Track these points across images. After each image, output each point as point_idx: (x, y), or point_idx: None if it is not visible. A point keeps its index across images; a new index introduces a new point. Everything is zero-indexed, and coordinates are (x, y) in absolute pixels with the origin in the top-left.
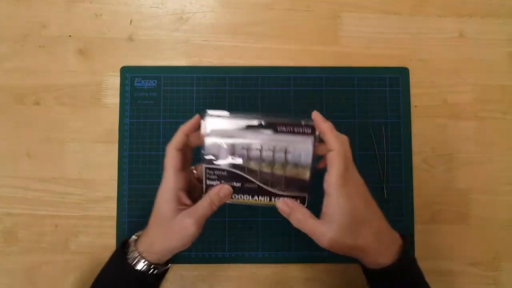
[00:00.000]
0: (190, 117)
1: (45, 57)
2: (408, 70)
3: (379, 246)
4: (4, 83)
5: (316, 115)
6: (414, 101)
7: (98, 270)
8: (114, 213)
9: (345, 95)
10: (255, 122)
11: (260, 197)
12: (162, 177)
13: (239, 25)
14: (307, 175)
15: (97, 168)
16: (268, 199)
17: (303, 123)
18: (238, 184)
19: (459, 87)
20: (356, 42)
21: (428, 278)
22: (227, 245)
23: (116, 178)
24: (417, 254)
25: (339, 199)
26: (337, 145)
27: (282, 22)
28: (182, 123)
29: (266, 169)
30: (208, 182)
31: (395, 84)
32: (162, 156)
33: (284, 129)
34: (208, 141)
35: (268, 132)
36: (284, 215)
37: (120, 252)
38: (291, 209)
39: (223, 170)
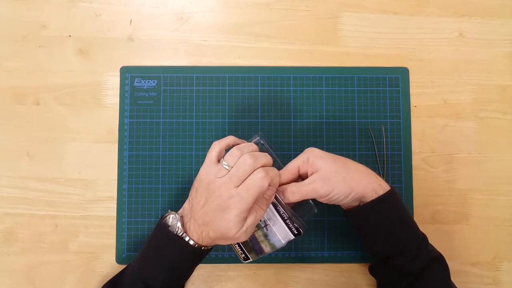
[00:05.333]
0: (190, 117)
1: (45, 57)
2: (408, 70)
3: (369, 172)
4: (4, 83)
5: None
6: (414, 101)
7: (98, 270)
8: (114, 213)
9: (345, 95)
10: None
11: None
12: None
13: (239, 25)
14: (267, 250)
15: (97, 168)
16: (235, 244)
17: (295, 225)
18: None
19: (459, 87)
20: (356, 42)
21: None
22: (227, 245)
23: (116, 178)
24: None
25: (311, 156)
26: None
27: (281, 22)
28: (182, 123)
29: None
30: None
31: (395, 84)
32: (162, 156)
33: (281, 211)
34: None
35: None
36: (281, 196)
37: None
38: (283, 191)
39: None
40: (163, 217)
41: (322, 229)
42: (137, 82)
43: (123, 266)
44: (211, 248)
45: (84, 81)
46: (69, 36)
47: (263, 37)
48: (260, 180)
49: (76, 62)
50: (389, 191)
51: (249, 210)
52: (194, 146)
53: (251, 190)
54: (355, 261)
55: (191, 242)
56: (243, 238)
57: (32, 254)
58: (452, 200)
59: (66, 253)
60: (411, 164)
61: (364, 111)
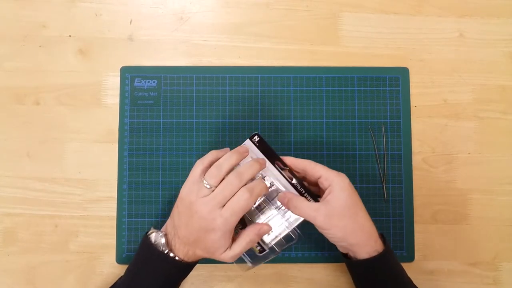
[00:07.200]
0: (190, 117)
1: (45, 57)
2: (408, 70)
3: (372, 234)
4: (4, 83)
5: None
6: (414, 101)
7: (98, 270)
8: (114, 213)
9: (345, 95)
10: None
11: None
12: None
13: (239, 25)
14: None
15: (97, 168)
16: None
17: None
18: None
19: (459, 87)
20: (356, 42)
21: (428, 278)
22: None
23: (116, 178)
24: (417, 254)
25: (338, 184)
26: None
27: (281, 22)
28: (182, 123)
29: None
30: None
31: (395, 84)
32: (162, 156)
33: (298, 187)
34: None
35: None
36: (284, 205)
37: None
38: (289, 199)
39: None
40: (147, 233)
41: None
42: (137, 82)
43: (123, 266)
44: (198, 260)
45: (84, 81)
46: (69, 36)
47: (263, 37)
48: (244, 201)
49: (76, 62)
50: (379, 253)
51: (236, 238)
52: (194, 146)
53: (236, 212)
54: None
55: (177, 259)
56: (230, 261)
57: (32, 254)
58: (452, 200)
59: (66, 253)
60: (411, 164)
61: (364, 111)
